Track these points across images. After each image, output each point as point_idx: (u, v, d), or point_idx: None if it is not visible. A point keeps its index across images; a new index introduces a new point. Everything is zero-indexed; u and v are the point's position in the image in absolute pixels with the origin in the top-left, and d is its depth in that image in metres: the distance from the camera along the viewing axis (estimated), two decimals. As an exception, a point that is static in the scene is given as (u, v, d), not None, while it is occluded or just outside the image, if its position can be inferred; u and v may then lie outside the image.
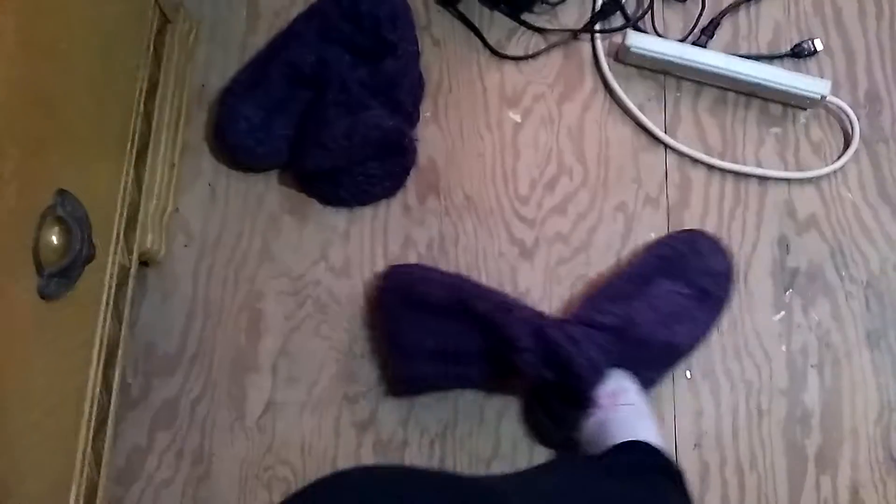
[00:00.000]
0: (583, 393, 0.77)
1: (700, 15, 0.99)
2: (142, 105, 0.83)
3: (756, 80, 0.94)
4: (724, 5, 1.00)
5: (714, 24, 0.99)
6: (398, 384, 0.85)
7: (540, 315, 0.83)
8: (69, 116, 0.67)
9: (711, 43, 0.98)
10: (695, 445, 0.86)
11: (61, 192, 0.64)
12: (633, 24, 0.98)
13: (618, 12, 0.99)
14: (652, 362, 0.83)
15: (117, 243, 0.77)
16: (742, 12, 1.01)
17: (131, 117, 0.81)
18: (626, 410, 0.78)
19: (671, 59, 0.94)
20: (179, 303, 0.87)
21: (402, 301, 0.84)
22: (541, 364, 0.77)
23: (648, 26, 0.99)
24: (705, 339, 0.87)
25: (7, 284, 0.58)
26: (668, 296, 0.82)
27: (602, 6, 0.98)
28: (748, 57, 0.97)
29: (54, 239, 0.63)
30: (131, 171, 0.80)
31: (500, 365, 0.80)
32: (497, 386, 0.86)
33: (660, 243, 0.88)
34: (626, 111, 0.96)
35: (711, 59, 0.94)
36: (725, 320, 0.89)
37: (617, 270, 0.89)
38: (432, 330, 0.82)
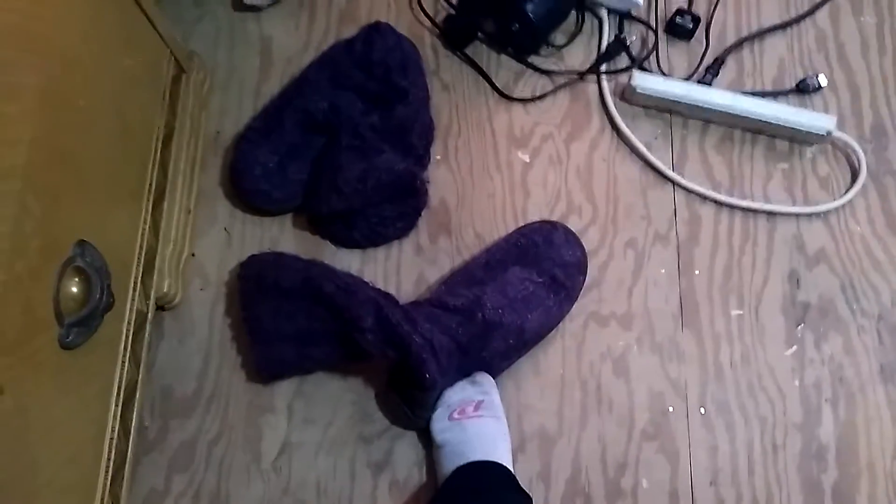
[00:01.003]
0: (423, 372, 0.76)
1: (704, 53, 1.00)
2: (158, 154, 0.85)
3: (762, 118, 0.95)
4: (728, 43, 1.01)
5: (719, 63, 1.00)
6: (260, 369, 0.85)
7: (385, 296, 0.83)
8: (88, 169, 0.69)
9: (716, 81, 1.00)
10: (711, 482, 0.86)
11: (81, 243, 0.66)
12: (639, 64, 0.99)
13: (623, 53, 1.00)
14: (505, 348, 0.83)
15: (135, 290, 0.78)
16: (746, 50, 1.02)
17: (148, 166, 0.83)
18: (488, 423, 0.79)
19: (677, 98, 0.95)
20: (196, 346, 0.89)
21: (257, 288, 0.85)
22: (382, 344, 0.78)
23: (654, 66, 1.00)
24: (554, 328, 0.87)
25: (29, 336, 0.59)
26: (520, 282, 0.84)
27: (607, 48, 1.00)
28: (753, 94, 0.98)
29: (74, 289, 0.64)
30: (148, 219, 0.82)
31: (350, 346, 0.80)
32: (353, 367, 0.87)
33: (516, 233, 0.90)
34: (634, 150, 0.97)
35: (717, 97, 0.95)
36: (738, 355, 0.90)
37: (473, 258, 0.90)
38: (286, 314, 0.83)
